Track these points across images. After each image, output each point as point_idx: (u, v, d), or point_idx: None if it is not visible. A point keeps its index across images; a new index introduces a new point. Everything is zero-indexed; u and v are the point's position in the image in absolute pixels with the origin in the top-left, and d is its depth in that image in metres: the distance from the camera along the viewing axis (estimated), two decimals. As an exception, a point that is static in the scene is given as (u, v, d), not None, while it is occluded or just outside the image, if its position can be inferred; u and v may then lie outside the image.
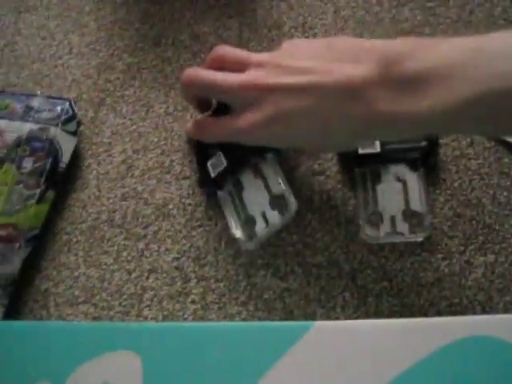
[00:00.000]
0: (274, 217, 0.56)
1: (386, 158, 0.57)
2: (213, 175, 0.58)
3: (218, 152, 0.58)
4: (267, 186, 0.57)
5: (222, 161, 0.57)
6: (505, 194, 0.57)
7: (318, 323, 0.45)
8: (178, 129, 0.66)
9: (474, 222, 0.56)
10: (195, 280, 0.57)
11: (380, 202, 0.57)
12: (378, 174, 0.58)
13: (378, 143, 0.57)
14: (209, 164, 0.58)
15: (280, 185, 0.56)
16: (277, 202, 0.56)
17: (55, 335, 0.50)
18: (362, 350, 0.44)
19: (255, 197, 0.57)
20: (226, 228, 0.59)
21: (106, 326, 0.52)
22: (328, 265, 0.56)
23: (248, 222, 0.56)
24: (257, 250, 0.57)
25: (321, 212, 0.59)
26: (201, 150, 0.60)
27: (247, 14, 0.71)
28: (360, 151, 0.57)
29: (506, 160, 0.59)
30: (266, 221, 0.56)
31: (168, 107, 0.67)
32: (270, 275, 0.56)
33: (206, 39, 0.70)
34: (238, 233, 0.57)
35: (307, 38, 0.68)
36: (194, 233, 0.60)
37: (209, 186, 0.59)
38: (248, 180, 0.58)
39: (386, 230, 0.56)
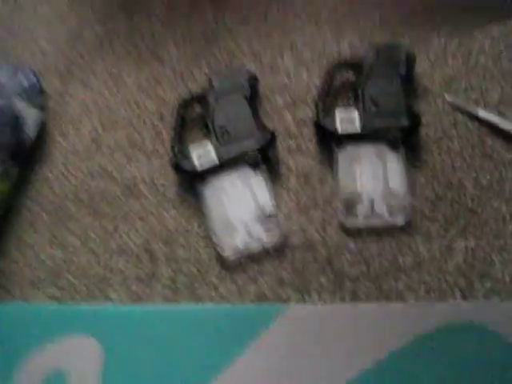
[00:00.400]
0: (260, 234, 0.53)
1: (367, 137, 0.55)
2: (199, 168, 0.55)
3: (208, 144, 0.56)
4: (256, 201, 0.54)
5: (212, 157, 0.55)
6: (487, 176, 0.56)
7: (293, 306, 0.43)
8: (152, 105, 0.63)
9: (455, 204, 0.54)
10: (165, 262, 0.55)
11: (359, 183, 0.54)
12: (358, 154, 0.55)
13: (358, 123, 0.55)
14: (194, 153, 0.55)
15: (272, 206, 0.54)
16: (265, 221, 0.54)
17: (14, 317, 0.47)
18: (338, 335, 0.42)
19: (240, 206, 0.54)
20: (199, 210, 0.56)
21: (64, 308, 0.49)
22: (304, 247, 0.54)
23: (229, 230, 0.54)
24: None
25: (297, 192, 0.56)
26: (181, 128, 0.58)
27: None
28: (340, 132, 0.55)
29: (490, 142, 0.57)
30: (250, 234, 0.53)
31: (141, 82, 0.64)
32: (246, 259, 0.54)
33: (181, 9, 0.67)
34: (215, 238, 0.54)
35: None
36: (165, 214, 0.57)
37: (189, 175, 0.56)
38: (234, 186, 0.55)
39: (364, 212, 0.53)
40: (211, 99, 0.59)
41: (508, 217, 0.54)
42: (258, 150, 0.56)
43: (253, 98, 0.59)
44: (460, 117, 0.58)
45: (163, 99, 0.63)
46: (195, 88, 0.62)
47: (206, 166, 0.55)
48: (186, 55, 0.65)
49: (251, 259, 0.54)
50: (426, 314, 0.46)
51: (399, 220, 0.53)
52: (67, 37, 0.67)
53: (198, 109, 0.61)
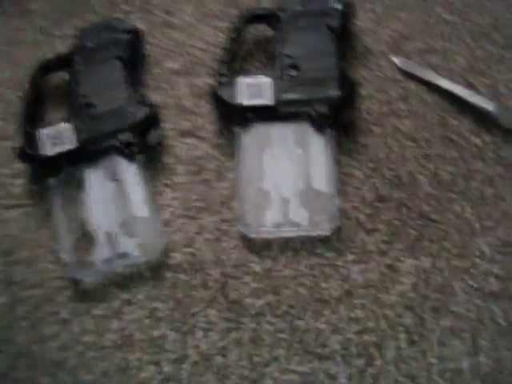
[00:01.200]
0: (128, 246, 0.40)
1: (282, 113, 0.42)
2: (48, 153, 0.41)
3: (65, 123, 0.42)
4: (126, 202, 0.41)
5: (70, 137, 0.41)
6: (449, 169, 0.42)
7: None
8: (7, 70, 0.49)
9: (404, 208, 0.41)
10: (1, 284, 0.41)
11: (269, 178, 0.41)
12: (269, 137, 0.42)
13: (270, 93, 0.41)
14: (43, 132, 0.42)
15: (145, 206, 0.41)
16: (137, 230, 0.40)
17: None
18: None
19: (102, 208, 0.41)
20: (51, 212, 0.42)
21: None
22: (189, 268, 0.40)
23: (84, 242, 0.40)
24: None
25: (185, 190, 0.43)
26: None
27: None
28: (246, 102, 0.41)
29: (453, 122, 0.44)
30: (113, 248, 0.40)
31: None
32: (110, 283, 0.40)
33: None
34: (66, 255, 0.40)
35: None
36: (7, 215, 0.44)
37: (37, 163, 0.43)
38: (96, 180, 0.42)
39: (274, 219, 0.40)
40: (78, 61, 0.44)
41: (477, 226, 0.40)
42: (132, 130, 0.41)
43: (132, 59, 0.45)
44: (413, 87, 0.46)
45: (21, 62, 0.48)
46: (64, 49, 0.47)
47: (58, 150, 0.41)
48: (56, 7, 0.50)
49: (115, 284, 0.40)
50: None
51: (323, 230, 0.40)
52: None
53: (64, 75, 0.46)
